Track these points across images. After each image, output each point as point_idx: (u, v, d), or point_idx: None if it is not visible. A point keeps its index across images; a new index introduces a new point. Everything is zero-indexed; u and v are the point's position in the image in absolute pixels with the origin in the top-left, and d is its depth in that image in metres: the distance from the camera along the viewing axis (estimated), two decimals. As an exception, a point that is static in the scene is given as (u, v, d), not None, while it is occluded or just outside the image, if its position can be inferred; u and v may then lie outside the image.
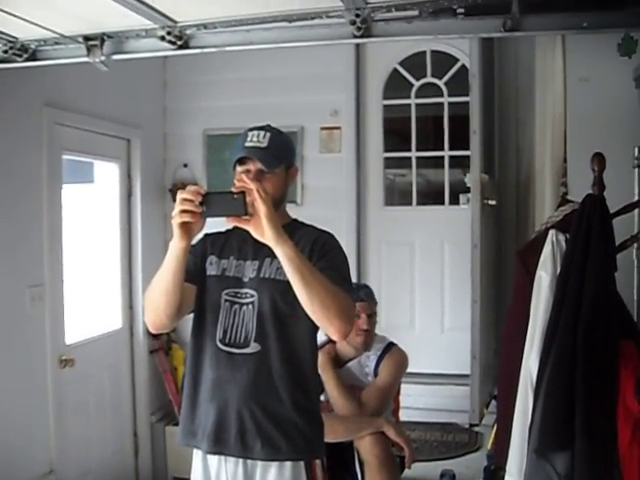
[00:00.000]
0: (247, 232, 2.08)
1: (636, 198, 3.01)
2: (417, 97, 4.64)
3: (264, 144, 2.14)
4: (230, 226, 2.27)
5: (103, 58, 2.44)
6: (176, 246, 1.96)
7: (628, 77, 3.19)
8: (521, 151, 4.23)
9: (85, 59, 2.44)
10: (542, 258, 2.47)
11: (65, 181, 4.48)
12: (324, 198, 4.68)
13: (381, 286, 4.69)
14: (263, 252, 2.10)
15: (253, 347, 2.09)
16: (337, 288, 1.97)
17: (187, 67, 4.76)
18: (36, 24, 2.28)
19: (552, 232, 2.47)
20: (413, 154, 4.69)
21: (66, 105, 3.78)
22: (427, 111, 4.68)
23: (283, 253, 1.91)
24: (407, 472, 3.40)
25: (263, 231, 1.90)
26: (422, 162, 4.76)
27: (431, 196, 4.79)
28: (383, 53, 4.59)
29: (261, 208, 1.87)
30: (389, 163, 4.82)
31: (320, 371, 3.28)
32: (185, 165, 4.87)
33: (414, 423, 4.38)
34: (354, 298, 3.29)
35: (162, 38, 2.28)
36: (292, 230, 2.16)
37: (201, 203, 1.89)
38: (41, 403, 3.62)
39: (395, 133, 4.83)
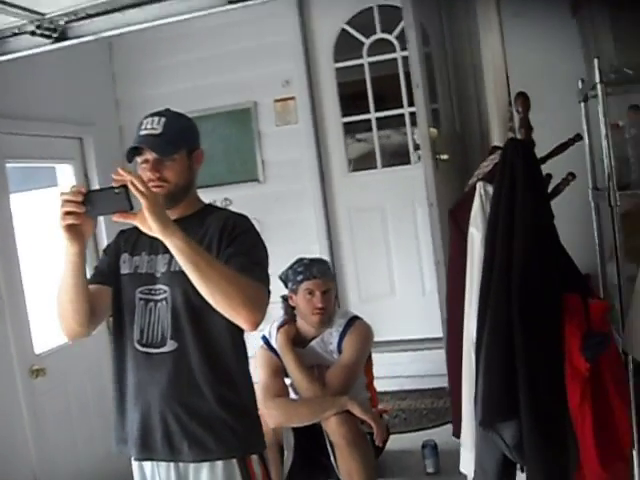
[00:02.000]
0: None
1: (585, 134, 2.82)
2: (369, 56, 4.46)
3: (158, 130, 2.01)
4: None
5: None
6: (69, 251, 1.85)
7: (564, 6, 2.99)
8: (482, 99, 4.04)
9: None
10: (472, 213, 2.31)
11: (27, 188, 4.42)
12: (286, 172, 4.56)
13: (356, 255, 4.60)
14: None
15: (170, 345, 1.99)
16: (242, 276, 1.84)
17: (134, 56, 4.68)
18: None
19: (480, 184, 2.31)
20: (372, 115, 4.53)
21: (3, 112, 3.66)
22: (381, 70, 4.50)
23: (172, 245, 1.79)
24: (389, 445, 3.32)
25: (149, 225, 1.78)
26: (383, 123, 4.59)
27: (396, 157, 4.61)
28: (329, 14, 4.45)
29: (141, 200, 1.75)
30: (349, 128, 4.65)
31: (280, 353, 3.21)
32: (145, 158, 4.74)
33: (405, 392, 4.30)
34: (292, 279, 3.20)
35: (32, 33, 2.15)
36: (203, 217, 2.07)
37: (84, 203, 1.78)
38: (16, 415, 3.54)
39: (351, 97, 4.65)
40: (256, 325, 1.86)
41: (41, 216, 4.36)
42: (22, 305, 3.70)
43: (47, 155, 4.16)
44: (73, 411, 3.95)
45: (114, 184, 1.79)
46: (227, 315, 1.85)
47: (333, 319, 3.26)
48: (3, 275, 3.58)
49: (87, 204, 1.78)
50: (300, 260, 3.27)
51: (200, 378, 1.98)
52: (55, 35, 2.19)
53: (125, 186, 1.76)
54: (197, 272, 1.80)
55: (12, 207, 3.76)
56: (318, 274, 3.20)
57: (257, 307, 1.86)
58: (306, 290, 3.19)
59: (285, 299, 3.29)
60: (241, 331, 2.02)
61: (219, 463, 1.99)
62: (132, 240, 2.11)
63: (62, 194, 1.80)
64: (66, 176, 4.35)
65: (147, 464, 2.05)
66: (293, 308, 3.27)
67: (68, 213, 1.78)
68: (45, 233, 4.25)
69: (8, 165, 3.79)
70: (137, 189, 1.75)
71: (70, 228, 1.80)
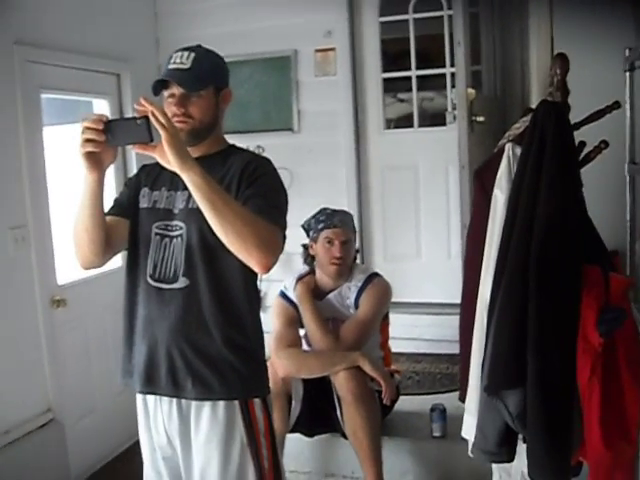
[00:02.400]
0: None
1: (627, 105, 2.72)
2: (415, 12, 4.34)
3: (187, 65, 2.00)
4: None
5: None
6: (87, 179, 1.87)
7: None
8: (525, 63, 3.92)
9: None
10: (498, 175, 2.24)
11: (63, 121, 4.43)
12: (321, 124, 4.49)
13: (384, 214, 4.55)
14: None
15: (182, 282, 1.99)
16: (258, 217, 1.83)
17: (178, -4, 4.61)
18: None
19: (509, 145, 2.24)
20: (413, 73, 4.42)
21: (41, 42, 3.64)
22: (426, 28, 4.38)
23: (189, 180, 1.78)
24: (399, 405, 3.31)
25: (168, 158, 1.76)
26: (425, 84, 4.49)
27: (436, 118, 4.52)
28: (378, -33, 4.30)
29: (160, 133, 1.74)
30: (389, 87, 4.55)
31: (298, 303, 3.20)
32: (180, 96, 4.72)
33: (421, 355, 4.28)
34: (314, 227, 3.18)
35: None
36: (225, 156, 2.06)
37: (105, 131, 1.76)
38: (34, 343, 3.61)
39: (394, 53, 4.55)
40: (268, 268, 1.85)
41: (74, 149, 4.39)
42: (48, 236, 3.74)
43: (84, 89, 4.15)
44: (90, 344, 4.02)
45: (136, 114, 1.77)
46: (240, 256, 1.83)
47: (353, 274, 3.23)
48: (31, 205, 3.61)
49: (107, 133, 1.77)
50: (323, 210, 3.24)
51: (209, 317, 1.98)
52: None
53: (147, 117, 1.74)
54: (212, 210, 1.78)
55: (46, 138, 3.78)
56: (339, 223, 3.17)
57: (270, 250, 1.84)
58: (326, 239, 3.16)
59: (306, 247, 3.27)
60: (254, 275, 2.01)
61: (221, 403, 2.00)
62: (153, 175, 2.12)
63: (83, 120, 1.79)
64: (102, 111, 4.35)
65: (150, 398, 2.07)
66: (313, 258, 3.25)
67: (88, 140, 1.78)
68: (76, 166, 4.29)
69: (43, 96, 3.79)
70: (158, 121, 1.74)
71: (89, 156, 1.81)
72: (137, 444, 2.21)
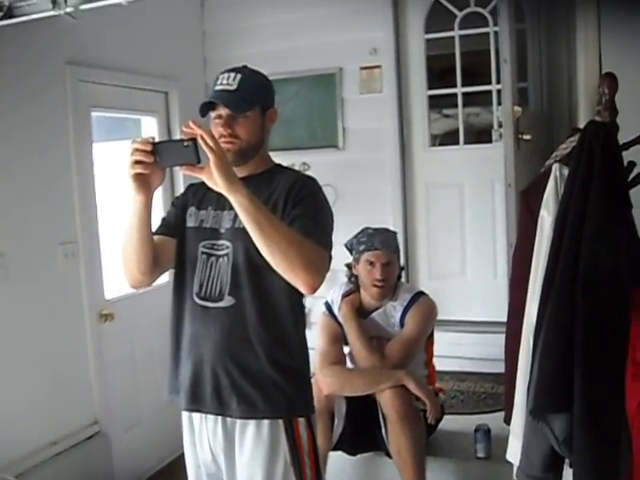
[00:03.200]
0: None
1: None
2: (461, 29, 4.33)
3: (233, 86, 2.03)
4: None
5: (69, 9, 2.34)
6: (135, 201, 1.90)
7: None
8: (573, 80, 3.88)
9: (52, 12, 2.35)
10: (545, 195, 2.22)
11: (112, 138, 4.53)
12: (366, 141, 4.49)
13: (429, 231, 4.53)
14: None
15: (227, 300, 2.01)
16: (305, 238, 1.85)
17: (225, 15, 4.70)
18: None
19: (555, 166, 2.22)
20: (459, 90, 4.40)
21: (91, 62, 3.74)
22: (472, 44, 4.36)
23: (236, 202, 1.80)
24: (443, 424, 3.28)
25: (215, 180, 1.79)
26: (470, 100, 4.47)
27: (482, 135, 4.49)
28: (423, -16, 4.31)
29: (209, 155, 1.76)
30: (434, 103, 4.55)
31: (343, 322, 3.21)
32: (227, 115, 4.78)
33: (465, 373, 4.22)
34: (356, 248, 3.18)
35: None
36: (271, 176, 2.08)
37: (153, 153, 1.80)
38: (82, 356, 3.69)
39: (439, 70, 4.55)
40: (314, 289, 1.86)
41: (123, 166, 4.47)
42: (96, 251, 3.83)
43: (133, 107, 4.24)
44: (137, 358, 4.08)
45: (184, 136, 1.80)
46: (286, 277, 1.85)
47: (398, 292, 3.22)
48: (81, 221, 3.69)
49: (156, 155, 1.80)
50: (365, 229, 3.22)
51: (254, 336, 2.00)
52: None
53: (194, 139, 1.76)
54: (259, 231, 1.80)
55: (96, 155, 3.86)
56: (380, 245, 3.15)
57: (316, 271, 1.85)
58: (367, 261, 3.15)
59: (349, 267, 3.27)
60: (300, 294, 2.02)
61: (265, 422, 2.01)
62: (200, 194, 2.14)
63: (133, 142, 1.83)
64: (150, 128, 4.43)
65: (196, 415, 2.09)
66: (357, 277, 3.25)
67: (137, 162, 1.81)
68: (124, 183, 4.37)
69: (94, 114, 3.89)
70: (206, 143, 1.76)
71: (137, 177, 1.84)
72: (181, 458, 2.23)
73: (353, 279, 3.28)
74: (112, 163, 4.19)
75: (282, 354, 2.03)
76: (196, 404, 2.06)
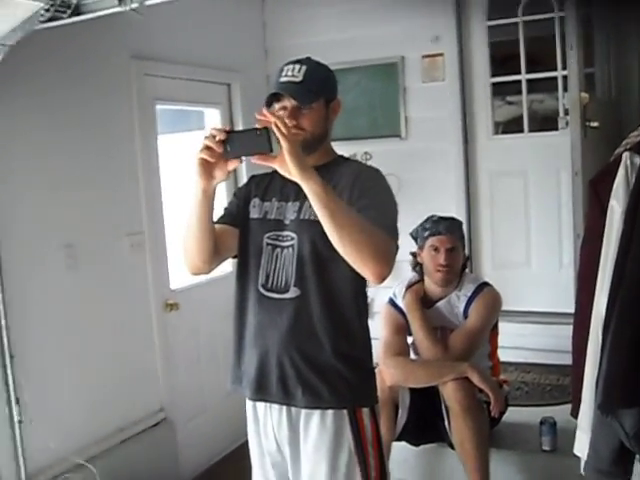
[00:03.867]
0: None
1: None
2: (524, 15, 4.24)
3: (299, 78, 2.02)
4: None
5: (135, 5, 2.37)
6: (196, 187, 1.91)
7: None
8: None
9: (118, 9, 2.39)
10: (615, 185, 2.16)
11: (174, 129, 4.59)
12: (429, 130, 4.46)
13: (493, 221, 4.49)
14: (303, 193, 1.99)
15: (293, 292, 2.02)
16: (374, 227, 1.85)
17: (285, 5, 4.70)
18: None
19: (626, 154, 2.15)
20: (523, 77, 4.32)
21: (155, 56, 3.80)
22: (536, 30, 4.27)
23: (309, 189, 1.81)
24: (507, 416, 3.24)
25: (289, 168, 1.79)
26: (534, 87, 4.39)
27: (548, 122, 4.40)
28: (486, -30, 4.24)
29: (282, 143, 1.77)
30: (497, 90, 4.48)
31: (406, 311, 3.20)
32: (290, 106, 4.79)
33: (530, 365, 4.18)
34: (420, 235, 3.16)
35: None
36: (335, 167, 2.07)
37: (225, 142, 1.80)
38: (148, 345, 3.78)
39: (502, 57, 4.47)
40: (382, 278, 1.85)
41: (186, 157, 4.54)
42: (162, 241, 3.90)
43: (196, 99, 4.29)
44: (201, 347, 4.15)
45: (258, 125, 1.80)
46: (355, 266, 1.85)
47: (462, 282, 3.19)
48: (146, 212, 3.76)
49: (228, 144, 1.81)
50: (430, 217, 3.21)
51: (319, 327, 2.00)
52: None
53: (267, 128, 1.76)
54: (331, 219, 1.80)
55: (161, 147, 3.93)
56: (444, 230, 3.13)
57: (386, 260, 1.85)
58: (431, 246, 3.14)
59: (414, 255, 3.25)
60: (364, 284, 2.04)
61: (330, 412, 2.02)
62: (263, 185, 2.16)
63: (210, 129, 1.84)
64: (213, 120, 4.48)
65: (260, 405, 2.10)
66: (421, 266, 3.23)
67: (206, 148, 1.82)
68: (188, 174, 4.43)
69: (158, 107, 3.95)
70: (280, 131, 1.76)
71: (203, 164, 1.85)
72: (244, 446, 2.26)
73: (418, 268, 3.26)
74: (176, 155, 4.27)
75: (346, 344, 2.04)
76: (261, 394, 2.07)
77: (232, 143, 1.80)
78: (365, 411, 2.06)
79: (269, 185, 2.14)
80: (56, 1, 2.47)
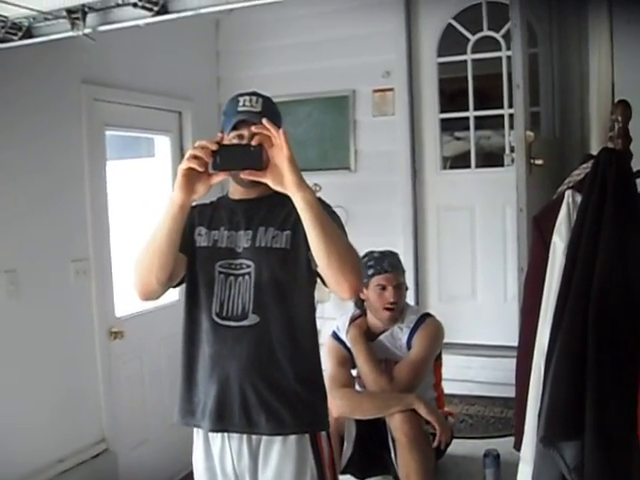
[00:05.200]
0: (236, 202, 2.12)
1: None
2: (473, 53, 4.36)
3: (257, 108, 2.05)
4: (215, 197, 2.20)
5: (87, 31, 2.38)
6: (174, 200, 1.87)
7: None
8: (585, 105, 3.89)
9: (71, 33, 2.39)
10: (557, 222, 2.21)
11: (126, 156, 4.56)
12: (378, 164, 4.52)
13: (440, 254, 4.54)
14: (255, 221, 2.07)
15: (252, 319, 2.02)
16: (350, 244, 1.90)
17: (239, 36, 4.74)
18: (12, 3, 2.25)
19: (568, 192, 2.21)
20: (471, 113, 4.42)
21: (107, 81, 3.78)
22: (485, 68, 4.38)
23: (305, 199, 1.82)
24: (451, 449, 3.25)
25: (282, 179, 1.81)
26: (482, 123, 4.49)
27: (493, 158, 4.51)
28: (436, 8, 4.35)
29: (285, 152, 1.78)
30: (446, 125, 4.57)
31: (351, 345, 3.21)
32: (241, 135, 4.81)
33: (475, 397, 4.21)
34: (364, 272, 3.19)
35: (135, 5, 2.20)
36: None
37: (215, 154, 1.79)
38: (91, 374, 3.71)
39: (451, 93, 4.57)
40: (356, 293, 1.95)
41: (136, 184, 4.51)
42: (108, 268, 3.85)
43: (146, 126, 4.28)
44: (145, 376, 4.09)
45: (254, 138, 1.81)
46: (334, 279, 1.88)
47: (404, 315, 3.22)
48: (92, 237, 3.72)
49: (217, 157, 1.79)
50: (370, 253, 3.23)
51: (280, 352, 2.02)
52: (156, 8, 2.24)
53: (261, 145, 1.78)
54: (321, 230, 1.82)
55: (109, 173, 3.90)
56: (389, 268, 3.16)
57: (361, 275, 1.93)
58: (378, 285, 3.16)
59: None
60: (314, 311, 2.12)
61: (292, 437, 2.03)
62: (207, 215, 2.15)
63: (198, 141, 1.84)
64: (163, 147, 4.46)
65: (217, 436, 2.07)
66: (363, 301, 3.25)
67: (195, 157, 1.81)
68: (137, 201, 4.40)
69: (108, 132, 3.92)
70: (286, 140, 1.78)
71: (187, 175, 1.83)
72: (188, 477, 2.23)
73: (359, 303, 3.28)
74: (125, 181, 4.24)
75: (306, 369, 2.07)
76: (222, 424, 2.04)
77: (223, 156, 1.79)
78: (323, 435, 2.09)
79: (214, 214, 2.14)
80: (7, 23, 2.46)
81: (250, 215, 2.08)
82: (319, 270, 1.93)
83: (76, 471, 3.51)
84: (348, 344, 3.23)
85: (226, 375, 2.02)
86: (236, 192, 2.14)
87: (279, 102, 2.16)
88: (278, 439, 2.02)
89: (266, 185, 2.04)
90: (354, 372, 3.24)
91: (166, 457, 4.04)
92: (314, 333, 2.13)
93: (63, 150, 3.57)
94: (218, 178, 1.85)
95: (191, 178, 1.83)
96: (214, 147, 1.79)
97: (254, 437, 2.04)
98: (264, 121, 1.81)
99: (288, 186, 1.80)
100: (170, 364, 4.13)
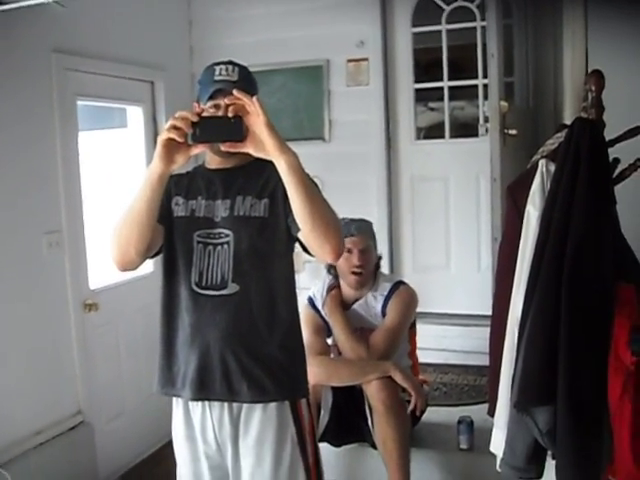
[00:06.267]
0: (213, 172, 2.12)
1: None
2: (448, 23, 4.35)
3: (234, 78, 2.04)
4: (190, 167, 2.18)
5: (56, -4, 2.33)
6: (153, 170, 1.86)
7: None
8: (558, 75, 3.91)
9: (41, 0, 2.34)
10: (531, 191, 2.24)
11: (97, 126, 4.50)
12: (352, 133, 4.52)
13: (414, 224, 4.56)
14: (233, 190, 2.07)
15: (231, 288, 2.03)
16: (332, 207, 1.90)
17: (212, 4, 4.67)
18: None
19: (542, 162, 2.25)
20: (445, 84, 4.43)
21: (77, 50, 3.71)
22: (459, 39, 4.39)
23: (288, 162, 1.81)
24: (426, 416, 3.30)
25: (263, 145, 1.80)
26: (456, 94, 4.51)
27: (467, 128, 4.52)
28: (411, -23, 4.32)
29: (262, 118, 1.77)
30: (421, 96, 4.57)
31: (328, 315, 3.21)
32: (214, 105, 4.77)
33: (449, 366, 4.26)
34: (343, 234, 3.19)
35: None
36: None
37: (195, 126, 1.78)
38: (66, 346, 3.68)
39: (426, 63, 4.57)
40: (339, 256, 1.94)
41: (109, 154, 4.47)
42: (81, 240, 3.81)
43: (118, 96, 4.21)
44: (121, 348, 4.08)
45: (229, 113, 1.80)
46: (317, 242, 1.89)
47: (378, 283, 3.24)
48: (65, 209, 3.68)
49: (197, 129, 1.79)
50: (341, 219, 3.23)
51: (260, 320, 2.03)
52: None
53: (240, 117, 1.78)
54: (305, 192, 1.82)
55: (81, 144, 3.84)
56: (355, 232, 3.15)
57: (342, 239, 1.93)
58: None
59: None
60: (293, 279, 2.12)
61: (272, 405, 2.05)
62: (183, 184, 2.14)
63: (179, 112, 1.82)
64: (136, 118, 4.41)
65: (197, 405, 2.08)
66: (335, 268, 3.25)
67: (175, 127, 1.79)
68: (110, 171, 4.36)
69: (79, 102, 3.86)
70: (261, 106, 1.76)
71: (167, 145, 1.82)
72: (166, 448, 2.24)
73: (332, 270, 3.29)
74: (97, 152, 4.19)
75: (286, 337, 2.08)
76: (203, 393, 2.05)
77: (203, 128, 1.79)
78: (303, 402, 2.12)
79: (190, 184, 2.13)
80: (-25, -9, 2.41)
81: (228, 184, 2.08)
82: (300, 235, 1.94)
83: (53, 443, 3.50)
84: (323, 313, 3.24)
85: (207, 344, 2.03)
86: (213, 162, 2.13)
87: (253, 72, 2.15)
88: (259, 406, 2.04)
89: (243, 154, 2.04)
90: (329, 341, 3.26)
91: (143, 428, 4.06)
92: (294, 300, 2.14)
93: (34, 121, 3.50)
94: (197, 149, 1.84)
95: (170, 148, 1.82)
96: (194, 119, 1.79)
97: (235, 405, 2.05)
98: (235, 92, 1.80)
99: (270, 151, 1.80)
100: (146, 335, 4.15)
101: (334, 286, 3.28)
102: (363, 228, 3.22)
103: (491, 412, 2.38)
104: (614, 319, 2.08)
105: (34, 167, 3.50)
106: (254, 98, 1.78)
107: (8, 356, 3.29)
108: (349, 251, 3.13)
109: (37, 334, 3.47)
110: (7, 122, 3.32)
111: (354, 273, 3.16)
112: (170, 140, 1.80)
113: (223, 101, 1.95)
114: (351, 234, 3.13)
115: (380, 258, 3.33)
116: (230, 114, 1.80)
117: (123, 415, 4.07)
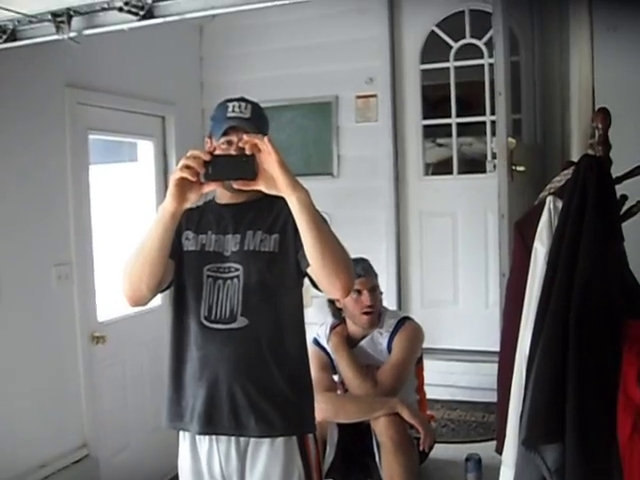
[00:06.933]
0: (223, 206, 2.14)
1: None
2: (456, 60, 4.40)
3: (247, 115, 2.07)
4: (201, 202, 2.21)
5: (73, 34, 2.38)
6: (166, 208, 1.88)
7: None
8: (566, 112, 3.94)
9: (55, 37, 2.38)
10: (539, 228, 2.24)
11: (108, 160, 4.55)
12: (361, 169, 4.55)
13: (422, 260, 4.57)
14: (243, 225, 2.09)
15: (240, 322, 2.04)
16: (342, 244, 1.92)
17: (223, 41, 4.76)
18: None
19: (550, 199, 2.23)
20: (453, 120, 4.46)
21: (90, 85, 3.78)
22: (467, 75, 4.43)
23: (299, 200, 1.83)
24: (434, 453, 3.27)
25: (275, 183, 1.82)
26: (464, 130, 4.54)
27: (475, 165, 4.54)
28: (420, 15, 4.39)
29: (274, 157, 1.79)
30: (428, 132, 4.60)
31: (333, 352, 3.22)
32: (224, 140, 4.82)
33: (456, 402, 4.23)
34: None
35: (120, 9, 2.21)
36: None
37: (207, 165, 1.81)
38: (73, 378, 3.69)
39: (434, 100, 4.61)
40: (348, 293, 1.96)
41: (119, 188, 4.50)
42: (90, 273, 3.84)
43: (129, 130, 4.28)
44: (127, 381, 4.08)
45: (245, 148, 1.82)
46: (328, 279, 1.90)
47: (383, 319, 3.24)
48: (75, 242, 3.71)
49: (209, 167, 1.81)
50: None
51: (268, 354, 2.04)
52: (142, 13, 2.24)
53: (253, 155, 1.80)
54: (316, 229, 1.84)
55: (92, 177, 3.89)
56: (363, 272, 3.17)
57: (353, 275, 1.94)
58: (353, 290, 3.16)
59: (332, 302, 3.28)
60: (302, 314, 2.12)
61: (280, 439, 2.05)
62: (194, 219, 2.16)
63: (191, 150, 1.85)
64: (146, 152, 4.46)
65: (204, 439, 2.08)
66: (340, 310, 3.26)
67: (188, 167, 1.82)
68: (120, 205, 4.39)
69: (91, 137, 3.92)
70: (272, 145, 1.79)
71: (179, 184, 1.84)
72: (170, 482, 2.22)
73: (336, 313, 3.30)
74: (108, 186, 4.22)
75: (295, 371, 2.09)
76: (211, 427, 2.05)
77: (215, 166, 1.81)
78: (310, 437, 2.12)
79: (201, 219, 2.16)
80: (-9, 26, 2.46)
81: (238, 219, 2.10)
82: (310, 271, 1.95)
83: (57, 476, 3.49)
84: (329, 350, 3.24)
85: (215, 378, 2.04)
86: (223, 197, 2.15)
87: (262, 107, 2.17)
88: (266, 441, 2.04)
89: (254, 190, 2.07)
90: (335, 378, 3.25)
91: (148, 462, 4.03)
92: (302, 335, 2.15)
93: (46, 154, 3.56)
94: (210, 187, 1.87)
95: (183, 187, 1.84)
96: (207, 158, 1.81)
97: (242, 439, 2.05)
98: (245, 137, 1.83)
99: (282, 188, 1.82)
100: (152, 369, 4.14)
101: (338, 324, 3.29)
102: (367, 268, 3.24)
103: (499, 450, 2.35)
104: (623, 356, 2.06)
105: (45, 199, 3.54)
106: (265, 138, 1.80)
107: (14, 387, 3.29)
108: (358, 292, 3.14)
109: (44, 365, 3.47)
110: (20, 154, 3.37)
111: (366, 313, 3.16)
112: (183, 179, 1.82)
113: (236, 137, 1.99)
114: (358, 275, 3.13)
115: (381, 293, 3.34)
116: (246, 151, 1.82)
117: (128, 448, 4.05)
